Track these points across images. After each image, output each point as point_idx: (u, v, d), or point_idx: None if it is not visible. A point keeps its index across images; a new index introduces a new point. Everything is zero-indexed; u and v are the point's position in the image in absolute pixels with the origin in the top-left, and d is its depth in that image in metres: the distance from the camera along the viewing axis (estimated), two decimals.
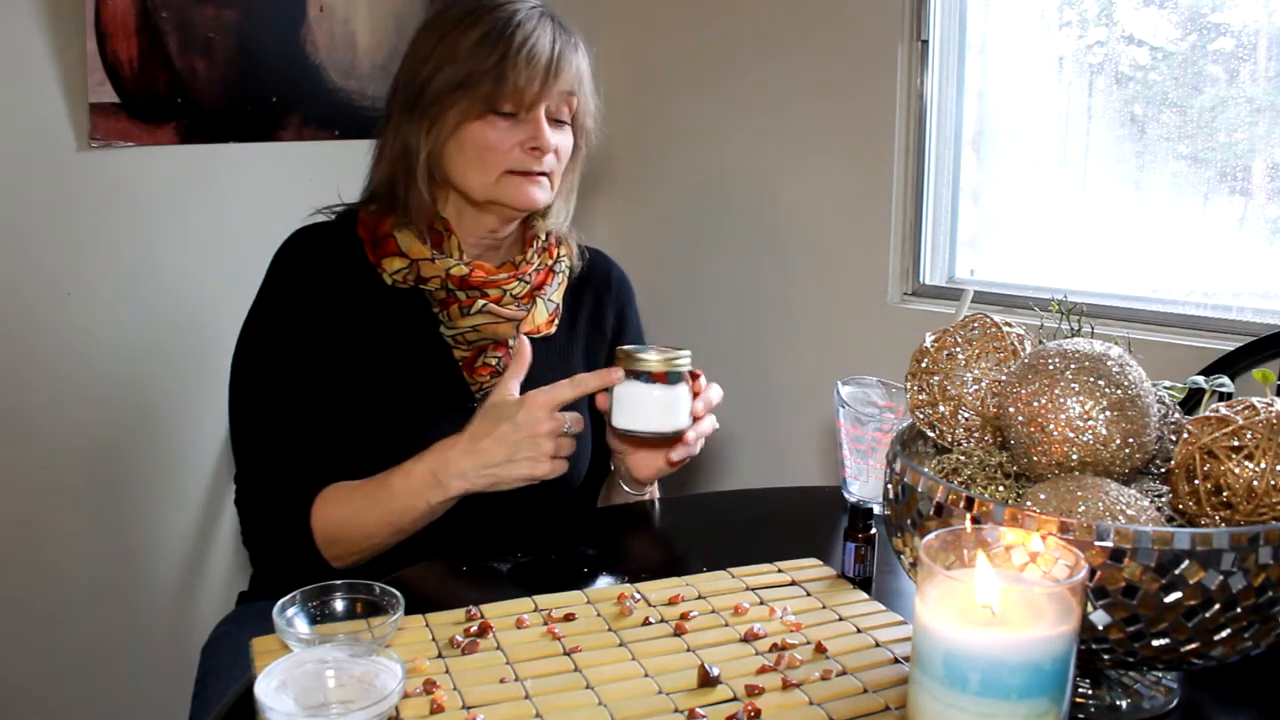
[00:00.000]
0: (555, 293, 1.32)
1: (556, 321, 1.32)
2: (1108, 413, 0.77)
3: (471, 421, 1.12)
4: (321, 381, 1.21)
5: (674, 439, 1.14)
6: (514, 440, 1.08)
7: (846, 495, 1.25)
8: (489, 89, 1.17)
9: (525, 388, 1.24)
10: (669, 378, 1.10)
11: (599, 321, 1.39)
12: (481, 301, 1.23)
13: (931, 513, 0.78)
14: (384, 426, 1.21)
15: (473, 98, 1.18)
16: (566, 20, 1.26)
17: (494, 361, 1.25)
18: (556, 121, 1.23)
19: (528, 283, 1.27)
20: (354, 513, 1.14)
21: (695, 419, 1.15)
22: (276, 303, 1.23)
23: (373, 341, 1.23)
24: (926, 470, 0.81)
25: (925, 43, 1.93)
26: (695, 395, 1.15)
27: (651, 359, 1.10)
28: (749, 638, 0.91)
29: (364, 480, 1.16)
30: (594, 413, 1.35)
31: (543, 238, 1.31)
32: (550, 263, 1.31)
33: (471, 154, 1.20)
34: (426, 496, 1.11)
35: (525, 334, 1.26)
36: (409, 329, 1.24)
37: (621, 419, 1.11)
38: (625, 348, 1.13)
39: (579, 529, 1.21)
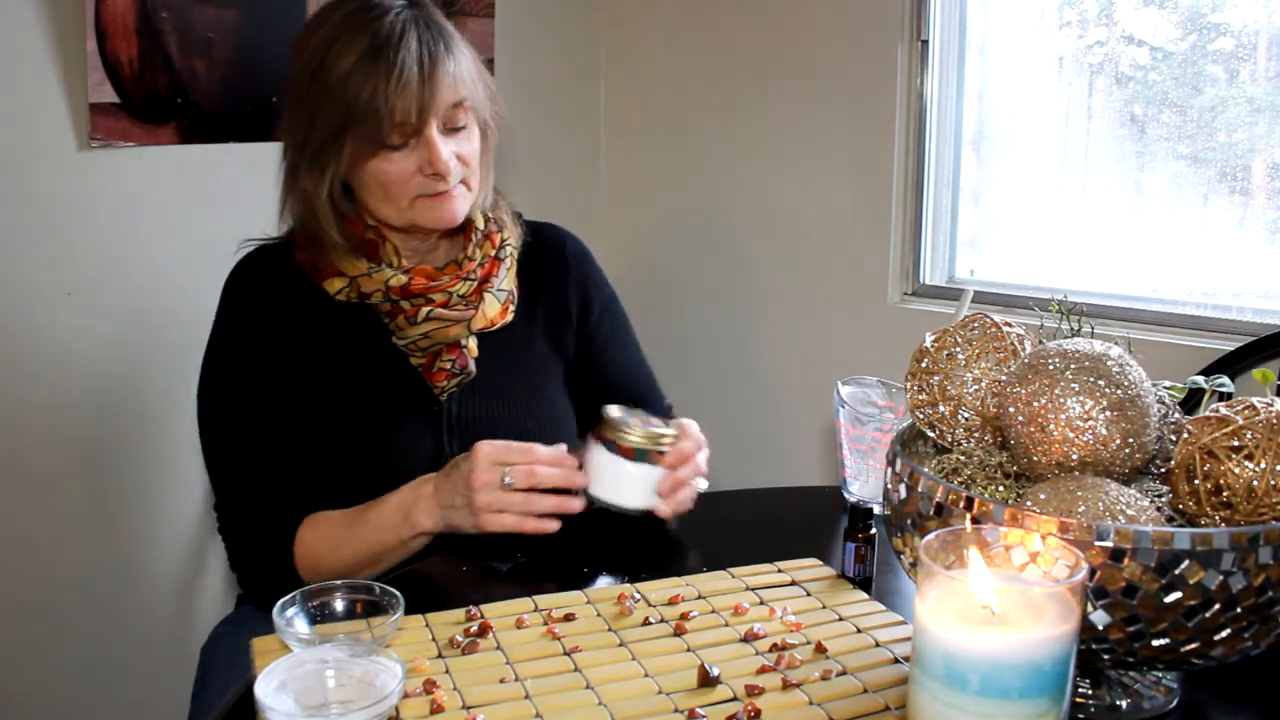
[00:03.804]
0: (505, 280, 1.26)
1: (512, 308, 1.27)
2: (1108, 413, 0.77)
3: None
4: (286, 406, 1.19)
5: (640, 514, 1.11)
6: (460, 488, 1.07)
7: (846, 495, 1.25)
8: (370, 129, 1.11)
9: (494, 378, 1.25)
10: (635, 454, 1.08)
11: (561, 304, 1.34)
12: (426, 309, 1.19)
13: (931, 513, 0.78)
14: (352, 442, 1.20)
15: (358, 139, 1.12)
16: (436, 16, 1.17)
17: (449, 365, 1.21)
18: (453, 130, 1.16)
19: (473, 280, 1.22)
20: (335, 545, 1.14)
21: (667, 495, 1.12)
22: (232, 333, 1.21)
23: (331, 360, 1.21)
24: (926, 470, 0.81)
25: (925, 43, 1.93)
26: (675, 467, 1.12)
27: (630, 434, 1.08)
28: (749, 638, 0.91)
29: (344, 511, 1.15)
30: (577, 416, 1.34)
31: (481, 227, 1.25)
32: (494, 252, 1.25)
33: (376, 190, 1.15)
34: (398, 532, 1.10)
35: (480, 330, 1.22)
36: (364, 343, 1.22)
37: (592, 485, 1.11)
38: (610, 411, 1.11)
39: (579, 529, 1.21)
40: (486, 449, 1.07)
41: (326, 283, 1.20)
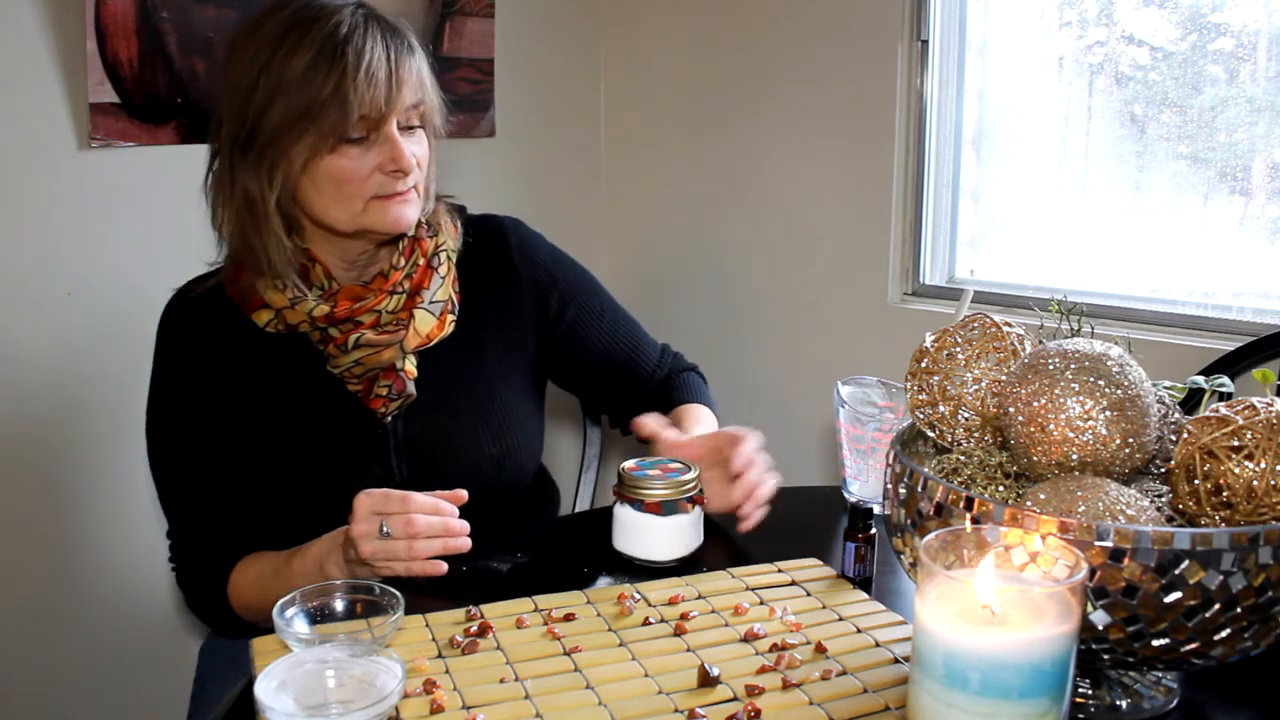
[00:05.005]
0: (440, 290, 1.22)
1: (452, 318, 1.23)
2: (1108, 413, 0.77)
3: None
4: (228, 444, 1.18)
5: (672, 565, 1.08)
6: (349, 538, 1.04)
7: (846, 495, 1.25)
8: (334, 119, 1.07)
9: (439, 394, 1.22)
10: (663, 508, 1.07)
11: (512, 305, 1.30)
12: (356, 335, 1.16)
13: (931, 513, 0.78)
14: (299, 474, 1.19)
15: (319, 131, 1.08)
16: (392, 18, 1.15)
17: (385, 391, 1.19)
18: (408, 129, 1.14)
19: (401, 293, 1.19)
20: (264, 589, 1.13)
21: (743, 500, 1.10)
22: (169, 376, 1.21)
23: (269, 393, 1.19)
24: (926, 470, 0.81)
25: (925, 43, 1.93)
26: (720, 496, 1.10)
27: (653, 489, 1.06)
28: (749, 638, 0.91)
29: (275, 555, 1.15)
30: (532, 397, 1.32)
31: (410, 232, 1.20)
32: (425, 259, 1.22)
33: (329, 189, 1.11)
34: (314, 580, 1.06)
35: (416, 348, 1.19)
36: (300, 373, 1.19)
37: (616, 540, 1.10)
38: (626, 467, 1.09)
39: (579, 529, 1.21)
40: (364, 499, 1.04)
41: (255, 315, 1.17)
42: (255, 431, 1.19)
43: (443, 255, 1.23)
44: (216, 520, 1.19)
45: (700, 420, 1.32)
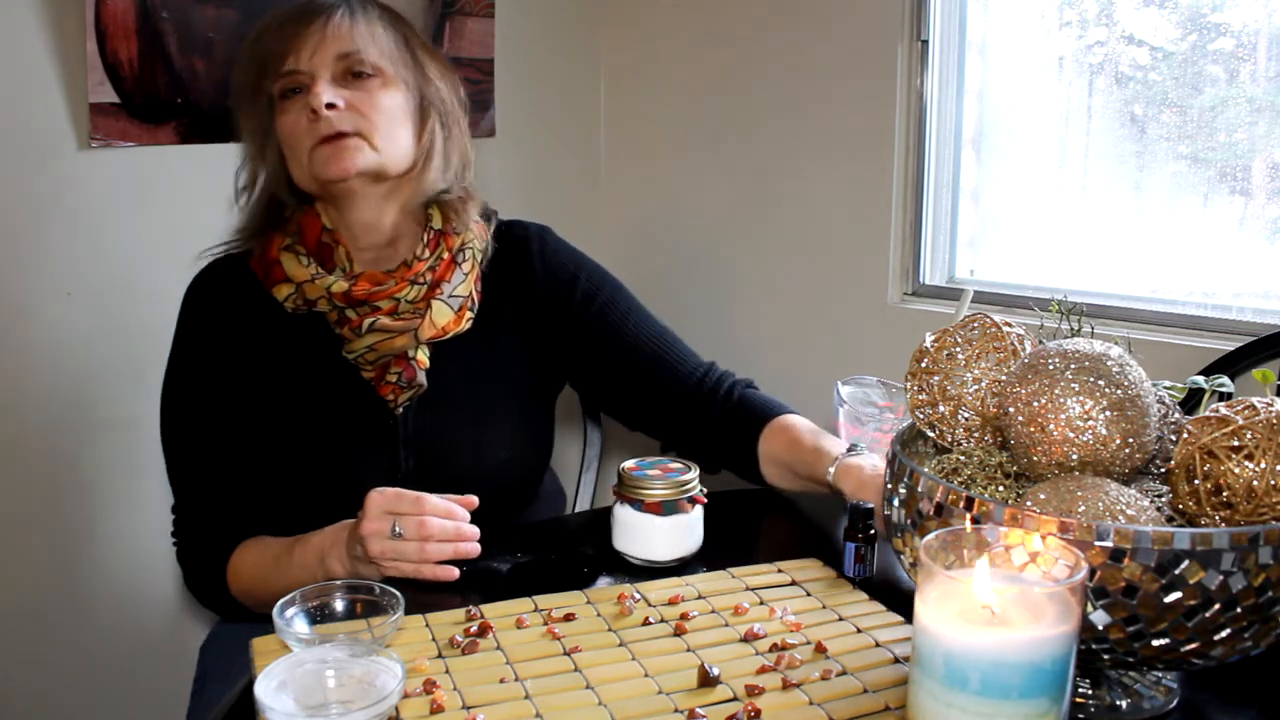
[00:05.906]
0: (462, 285, 1.22)
1: (470, 314, 1.23)
2: (1108, 413, 0.77)
3: None
4: (241, 422, 1.19)
5: (672, 565, 1.07)
6: (357, 536, 1.04)
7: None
8: (269, 77, 1.15)
9: (450, 390, 1.22)
10: (663, 508, 1.06)
11: (531, 308, 1.29)
12: (371, 319, 1.17)
13: (931, 513, 0.78)
14: (307, 458, 1.19)
15: (259, 92, 1.16)
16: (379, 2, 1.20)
17: (394, 378, 1.19)
18: (353, 76, 1.15)
19: (422, 284, 1.19)
20: (262, 577, 1.14)
21: None
22: (189, 349, 1.22)
23: (285, 374, 1.20)
24: (926, 470, 0.81)
25: (925, 43, 1.93)
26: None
27: (653, 489, 1.05)
28: (749, 638, 0.91)
29: (277, 542, 1.15)
30: (544, 404, 1.33)
31: (438, 226, 1.22)
32: (449, 253, 1.22)
33: (287, 149, 1.17)
34: (314, 574, 1.07)
35: (431, 339, 1.20)
36: (317, 356, 1.20)
37: (616, 540, 1.09)
38: (626, 467, 1.08)
39: (579, 529, 1.21)
40: (376, 498, 1.03)
41: (275, 289, 1.18)
42: (267, 409, 1.19)
43: (468, 252, 1.24)
44: (222, 499, 1.19)
45: (811, 430, 1.25)
